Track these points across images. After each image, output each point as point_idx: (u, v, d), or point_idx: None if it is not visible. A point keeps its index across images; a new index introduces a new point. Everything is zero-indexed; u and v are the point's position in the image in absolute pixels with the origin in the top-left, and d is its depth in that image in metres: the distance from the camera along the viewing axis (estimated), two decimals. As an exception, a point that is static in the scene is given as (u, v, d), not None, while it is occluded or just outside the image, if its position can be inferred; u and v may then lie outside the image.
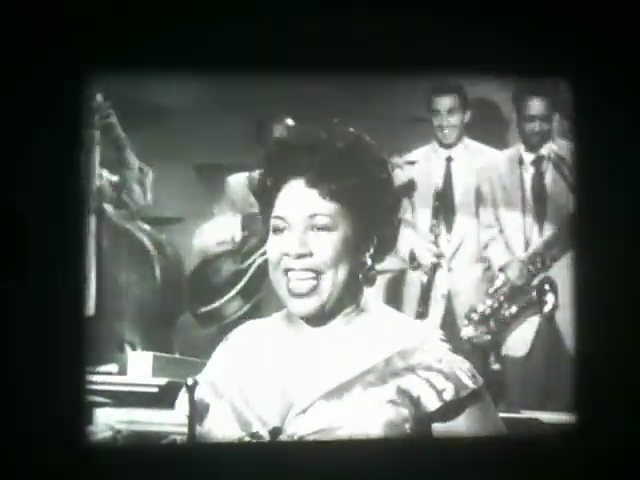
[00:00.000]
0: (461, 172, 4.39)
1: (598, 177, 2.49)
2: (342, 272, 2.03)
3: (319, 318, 2.05)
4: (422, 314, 4.25)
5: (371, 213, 2.05)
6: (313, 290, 2.02)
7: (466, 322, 4.27)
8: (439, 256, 4.33)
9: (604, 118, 2.47)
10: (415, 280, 4.33)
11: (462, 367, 2.03)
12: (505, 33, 2.44)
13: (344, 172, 2.02)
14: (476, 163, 4.38)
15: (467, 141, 4.41)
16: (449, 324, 4.24)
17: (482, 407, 2.04)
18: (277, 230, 2.04)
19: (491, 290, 4.27)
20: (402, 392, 2.00)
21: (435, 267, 4.34)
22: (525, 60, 2.50)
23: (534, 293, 4.23)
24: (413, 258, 4.24)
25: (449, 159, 4.40)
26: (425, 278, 4.34)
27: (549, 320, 4.21)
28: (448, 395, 2.00)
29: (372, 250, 2.07)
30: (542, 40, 2.45)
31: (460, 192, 4.40)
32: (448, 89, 4.31)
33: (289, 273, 2.03)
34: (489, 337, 4.24)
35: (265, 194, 2.06)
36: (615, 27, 2.46)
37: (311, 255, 2.02)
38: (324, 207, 2.02)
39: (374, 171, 2.06)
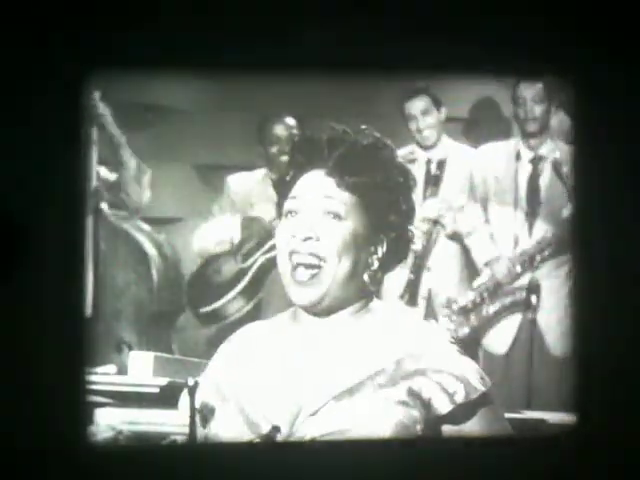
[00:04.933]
0: (442, 173, 4.39)
1: (597, 177, 2.49)
2: (345, 264, 2.03)
3: (320, 310, 2.05)
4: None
5: (384, 215, 2.06)
6: (314, 278, 2.02)
7: (443, 313, 4.27)
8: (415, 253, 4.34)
9: (604, 118, 2.47)
10: (393, 277, 4.33)
11: (471, 369, 2.04)
12: (505, 33, 2.44)
13: (364, 168, 2.03)
14: (461, 161, 4.39)
15: (446, 140, 4.42)
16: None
17: (492, 409, 2.04)
18: (289, 212, 2.05)
19: (475, 284, 4.27)
20: (413, 394, 1.99)
21: (423, 264, 4.35)
22: (525, 60, 2.50)
23: (520, 293, 4.24)
24: None
25: (429, 162, 4.41)
26: (412, 276, 4.34)
27: (531, 320, 4.22)
28: (459, 398, 2.00)
29: (380, 254, 2.07)
30: (542, 40, 2.45)
31: (442, 191, 4.40)
32: (417, 91, 4.32)
33: (293, 256, 2.03)
34: (467, 330, 4.25)
35: (285, 184, 2.07)
36: (615, 27, 2.46)
37: (317, 239, 2.02)
38: (339, 195, 2.03)
39: (393, 174, 2.07)
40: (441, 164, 4.38)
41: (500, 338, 4.29)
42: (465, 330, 4.26)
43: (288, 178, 2.08)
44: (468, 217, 4.36)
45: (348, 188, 2.03)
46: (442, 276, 4.40)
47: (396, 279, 4.35)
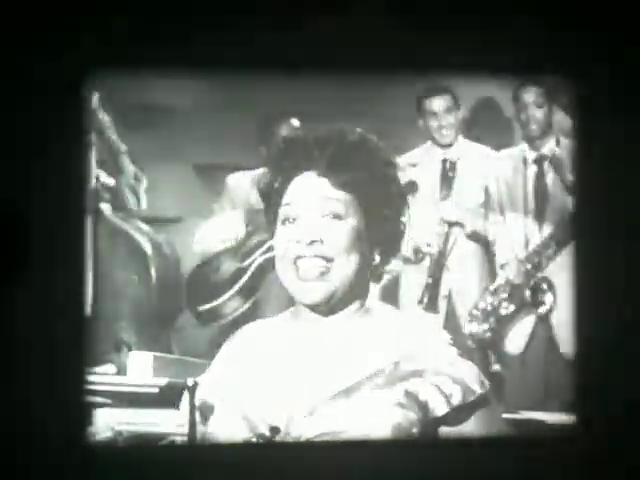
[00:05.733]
0: (458, 172, 4.39)
1: (598, 177, 2.49)
2: (352, 261, 2.03)
3: (327, 308, 2.04)
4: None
5: (379, 210, 2.06)
6: (323, 275, 2.01)
7: (469, 318, 4.27)
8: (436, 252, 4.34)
9: (604, 118, 2.47)
10: (412, 282, 4.32)
11: (470, 372, 2.03)
12: (505, 33, 2.44)
13: (355, 165, 2.03)
14: (477, 162, 4.39)
15: (461, 140, 4.43)
16: (452, 324, 4.24)
17: (489, 412, 2.04)
18: (287, 219, 2.04)
19: (492, 287, 4.28)
20: (410, 395, 1.99)
21: (440, 267, 4.35)
22: (525, 60, 2.50)
23: (532, 292, 4.24)
24: (418, 251, 4.26)
25: (445, 161, 4.41)
26: (430, 280, 4.33)
27: (545, 320, 4.22)
28: (456, 400, 2.00)
29: (379, 247, 2.07)
30: (542, 40, 2.45)
31: (457, 192, 4.40)
32: (440, 90, 4.33)
33: (298, 261, 2.02)
34: (489, 334, 4.26)
35: (272, 192, 2.06)
36: (615, 27, 2.46)
37: (322, 242, 2.01)
38: (336, 195, 2.02)
39: (382, 169, 2.07)
40: (453, 165, 4.39)
41: (515, 338, 4.29)
42: (488, 334, 4.27)
43: (277, 184, 2.07)
44: (491, 224, 4.37)
45: (343, 186, 2.03)
46: (462, 276, 4.40)
47: (414, 284, 4.34)
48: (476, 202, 4.36)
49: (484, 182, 4.35)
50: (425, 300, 4.29)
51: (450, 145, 4.39)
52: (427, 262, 4.33)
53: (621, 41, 2.46)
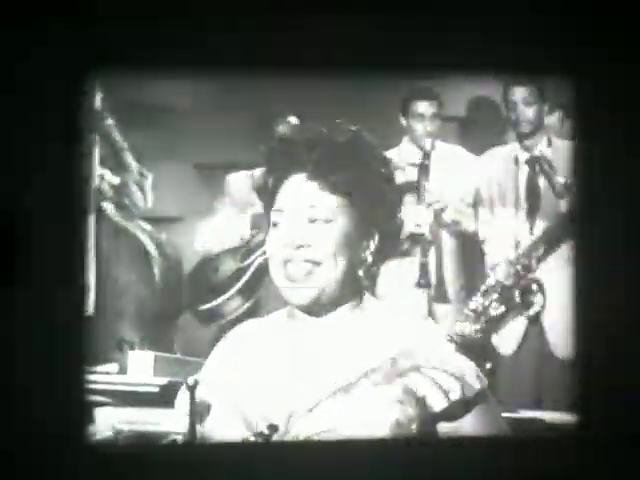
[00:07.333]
0: (434, 171, 4.41)
1: (597, 177, 2.49)
2: (340, 265, 2.04)
3: (316, 309, 2.05)
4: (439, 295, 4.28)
5: (371, 209, 2.06)
6: (309, 276, 2.03)
7: (462, 318, 4.28)
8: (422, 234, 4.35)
9: (604, 118, 2.47)
10: (395, 273, 4.33)
11: (468, 367, 2.04)
12: (505, 33, 2.44)
13: (344, 166, 2.03)
14: (455, 161, 4.41)
15: (438, 142, 4.45)
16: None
17: (487, 408, 2.05)
18: (276, 223, 2.05)
19: (483, 288, 4.29)
20: (408, 391, 2.00)
21: (439, 249, 4.36)
22: (525, 60, 2.50)
23: (524, 293, 4.25)
24: (412, 234, 4.27)
25: (424, 157, 4.42)
26: (423, 259, 4.34)
27: (535, 321, 4.24)
28: (454, 395, 2.00)
29: (373, 248, 2.07)
30: (542, 40, 2.45)
31: (433, 190, 4.41)
32: (430, 95, 4.34)
33: (288, 265, 2.03)
34: (479, 334, 4.27)
35: (267, 192, 2.07)
36: (615, 27, 2.46)
37: (309, 247, 2.02)
38: (323, 199, 2.03)
39: (374, 166, 2.07)
40: (427, 154, 4.40)
41: (508, 339, 4.31)
42: (479, 334, 4.27)
43: (270, 185, 2.08)
44: (482, 224, 4.38)
45: (332, 189, 2.03)
46: (444, 271, 4.42)
47: (409, 269, 4.35)
48: (459, 200, 4.37)
49: (471, 182, 4.37)
50: (422, 282, 4.30)
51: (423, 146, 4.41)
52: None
53: (621, 41, 2.46)
